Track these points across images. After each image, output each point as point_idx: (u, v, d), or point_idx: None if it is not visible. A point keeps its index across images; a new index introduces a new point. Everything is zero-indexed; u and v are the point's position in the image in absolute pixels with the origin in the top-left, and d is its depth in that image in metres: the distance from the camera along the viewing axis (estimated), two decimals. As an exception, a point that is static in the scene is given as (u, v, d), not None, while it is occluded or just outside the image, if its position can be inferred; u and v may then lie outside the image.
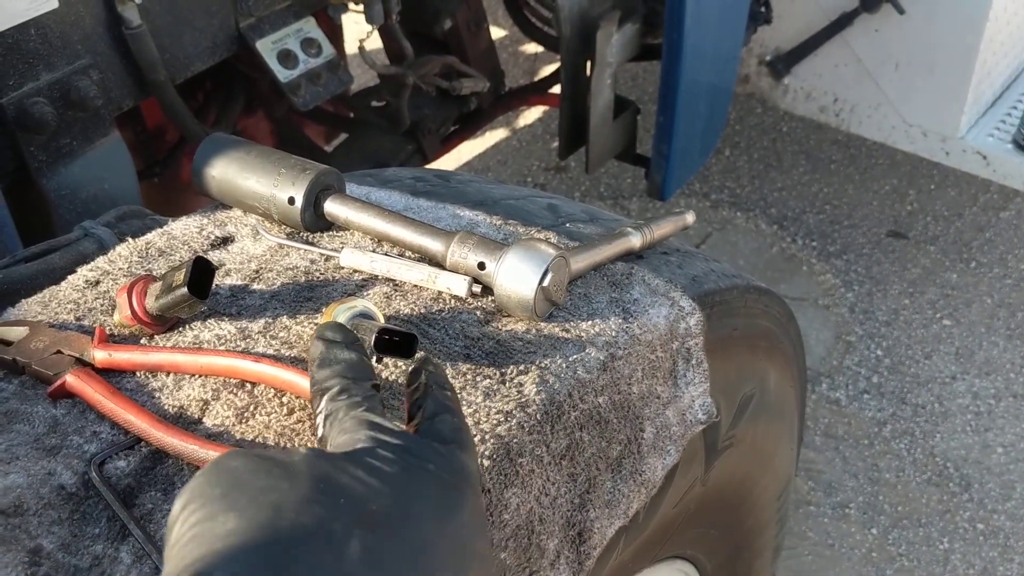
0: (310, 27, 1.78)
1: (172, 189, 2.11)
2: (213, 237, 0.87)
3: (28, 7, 1.44)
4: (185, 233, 0.87)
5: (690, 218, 1.09)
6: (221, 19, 1.68)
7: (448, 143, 2.27)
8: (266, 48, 1.73)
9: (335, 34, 2.21)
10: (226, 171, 0.87)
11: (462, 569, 0.49)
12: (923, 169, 3.17)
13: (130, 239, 0.87)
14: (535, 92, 2.45)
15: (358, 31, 1.90)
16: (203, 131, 1.76)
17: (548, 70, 3.47)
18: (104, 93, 1.54)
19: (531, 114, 3.59)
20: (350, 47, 2.46)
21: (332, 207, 0.87)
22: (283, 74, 1.73)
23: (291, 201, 0.85)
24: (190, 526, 0.43)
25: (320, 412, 0.55)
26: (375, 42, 2.00)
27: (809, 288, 2.85)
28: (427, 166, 2.23)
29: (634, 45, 1.99)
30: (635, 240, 0.96)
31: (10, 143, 1.47)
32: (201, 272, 0.74)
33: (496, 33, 3.38)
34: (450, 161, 3.25)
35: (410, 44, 1.91)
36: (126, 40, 1.54)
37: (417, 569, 0.46)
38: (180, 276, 0.73)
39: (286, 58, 1.74)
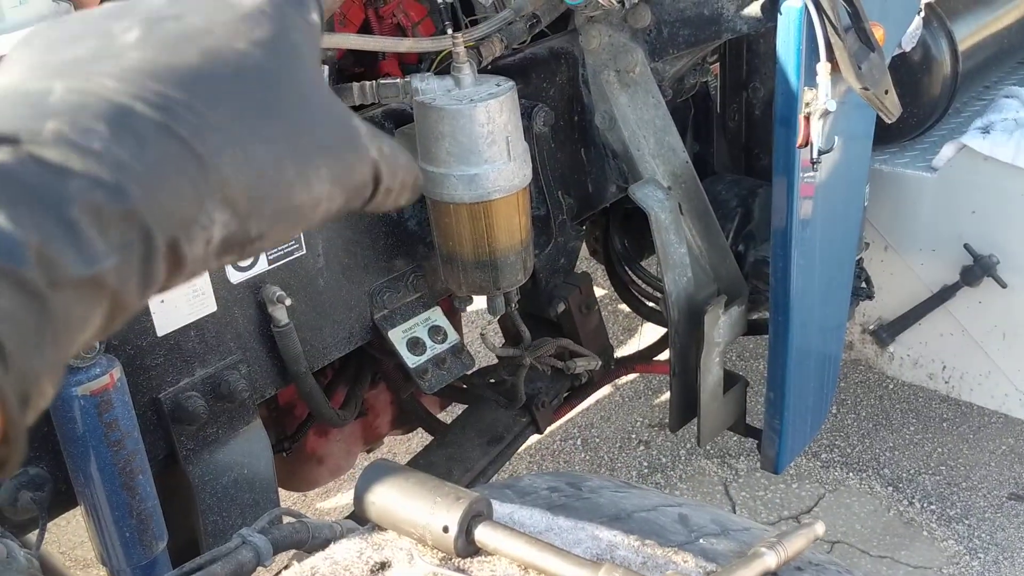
0: (437, 316, 1.92)
1: (298, 461, 2.21)
2: (372, 562, 0.92)
3: (190, 311, 1.60)
4: (346, 557, 0.94)
5: (820, 529, 1.11)
6: (358, 312, 1.83)
7: (559, 412, 2.34)
8: (397, 337, 1.86)
9: (453, 314, 2.35)
10: (385, 498, 0.94)
11: (245, 43, 0.46)
12: (1040, 428, 3.09)
13: (296, 564, 0.93)
14: (641, 361, 2.53)
15: (477, 315, 2.03)
16: (336, 415, 1.87)
17: (647, 328, 3.57)
18: (251, 385, 1.67)
19: (634, 371, 3.66)
20: (466, 325, 2.60)
21: (482, 535, 0.92)
22: (412, 360, 1.85)
23: (445, 529, 0.91)
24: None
25: None
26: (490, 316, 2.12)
27: (931, 556, 2.73)
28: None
29: (741, 325, 2.07)
30: (770, 560, 0.98)
31: (164, 434, 1.60)
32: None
33: (596, 292, 3.53)
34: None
35: (525, 324, 2.03)
36: (273, 336, 1.69)
37: (198, 46, 0.45)
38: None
39: (415, 345, 1.86)
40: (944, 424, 3.17)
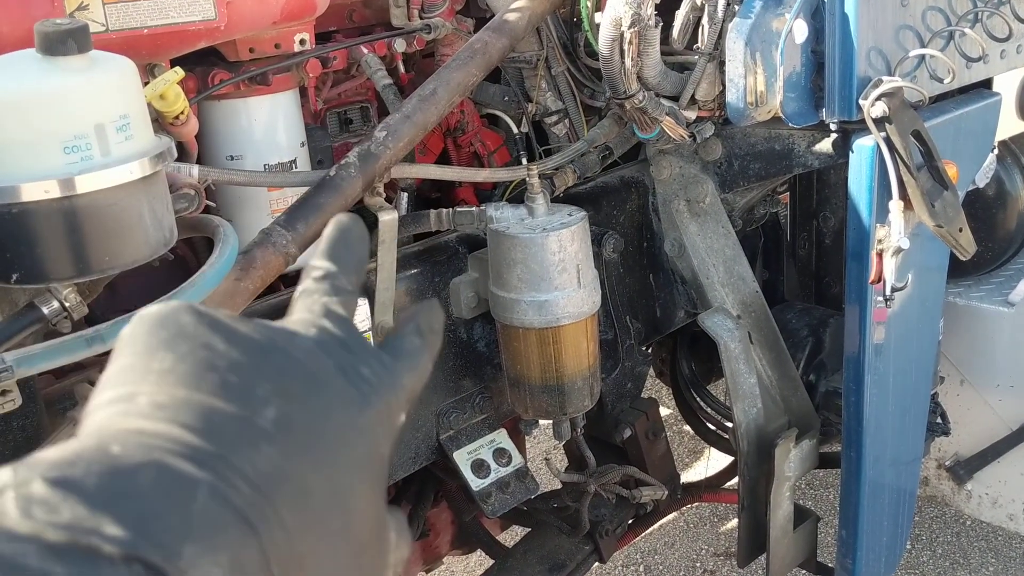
0: (502, 438, 1.91)
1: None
2: None
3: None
4: None
5: None
6: (425, 432, 1.83)
7: (622, 540, 2.30)
8: (462, 458, 1.85)
9: (518, 434, 2.35)
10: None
11: (359, 459, 0.48)
12: None
13: None
14: (708, 489, 2.48)
15: (543, 435, 2.02)
16: (398, 536, 1.86)
17: (714, 450, 3.50)
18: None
19: (698, 496, 3.57)
20: (531, 447, 2.59)
21: None
22: (475, 483, 1.84)
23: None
24: (130, 355, 0.48)
25: (299, 288, 0.56)
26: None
27: None
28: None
29: (812, 458, 2.03)
30: None
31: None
32: None
33: (662, 411, 3.49)
34: (617, 544, 3.24)
35: (590, 449, 2.01)
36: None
37: (322, 438, 0.47)
38: None
39: (479, 468, 1.86)
40: (1027, 566, 3.02)
